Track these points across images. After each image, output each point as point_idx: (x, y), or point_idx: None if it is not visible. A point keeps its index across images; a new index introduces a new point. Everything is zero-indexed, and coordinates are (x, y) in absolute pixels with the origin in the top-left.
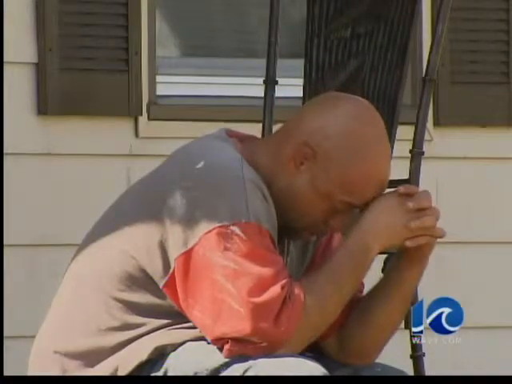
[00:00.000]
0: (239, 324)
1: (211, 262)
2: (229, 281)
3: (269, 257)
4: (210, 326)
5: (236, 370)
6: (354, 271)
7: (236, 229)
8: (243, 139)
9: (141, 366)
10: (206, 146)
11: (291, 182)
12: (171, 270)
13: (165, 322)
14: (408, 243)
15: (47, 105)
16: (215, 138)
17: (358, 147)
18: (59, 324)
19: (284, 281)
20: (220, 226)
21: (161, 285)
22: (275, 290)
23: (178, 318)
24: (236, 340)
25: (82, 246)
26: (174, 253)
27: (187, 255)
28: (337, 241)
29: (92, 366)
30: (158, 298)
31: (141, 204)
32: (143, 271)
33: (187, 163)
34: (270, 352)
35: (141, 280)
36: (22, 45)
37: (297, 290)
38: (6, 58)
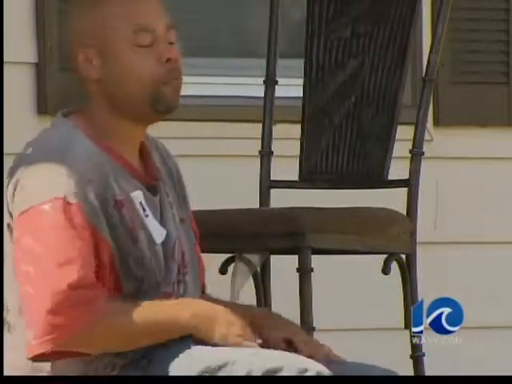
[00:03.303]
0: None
1: (16, 248)
2: (28, 266)
3: (68, 251)
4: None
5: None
6: (156, 332)
7: (39, 211)
8: (78, 110)
9: None
10: (43, 130)
11: (108, 79)
12: None
13: None
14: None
15: (47, 105)
16: (56, 123)
17: (95, 4)
18: None
19: (76, 282)
20: (26, 210)
21: None
22: (57, 287)
23: None
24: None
25: None
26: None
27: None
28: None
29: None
30: None
31: None
32: None
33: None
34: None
35: None
36: (22, 45)
37: (101, 304)
38: (6, 58)
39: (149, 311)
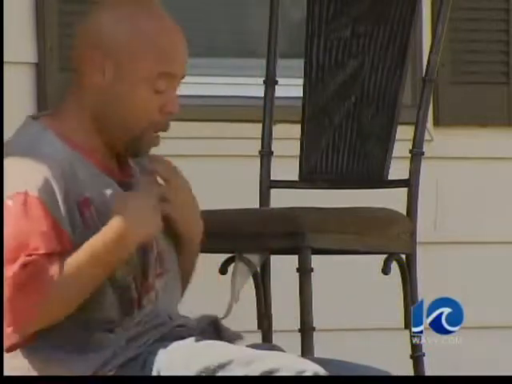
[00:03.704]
0: None
1: None
2: None
3: (17, 234)
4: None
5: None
6: (101, 265)
7: (4, 207)
8: (51, 113)
9: None
10: (14, 132)
11: (108, 93)
12: None
13: None
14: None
15: (47, 105)
16: (23, 125)
17: (134, 20)
18: None
19: (29, 258)
20: None
21: None
22: (12, 269)
23: None
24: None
25: None
26: None
27: None
28: None
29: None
30: None
31: None
32: None
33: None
34: (22, 331)
35: None
36: (22, 45)
37: (52, 270)
38: (6, 58)
39: (88, 247)
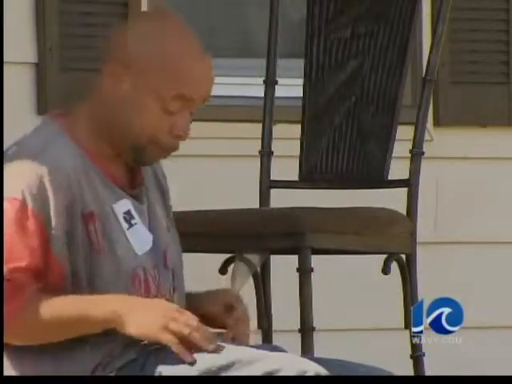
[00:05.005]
0: None
1: None
2: None
3: (17, 239)
4: None
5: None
6: (76, 326)
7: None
8: (67, 113)
9: None
10: (31, 131)
11: (121, 101)
12: None
13: None
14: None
15: (47, 105)
16: (40, 124)
17: (159, 38)
18: None
19: (11, 275)
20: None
21: None
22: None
23: None
24: None
25: None
26: None
27: None
28: None
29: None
30: None
31: None
32: None
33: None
34: None
35: None
36: (22, 45)
37: (31, 291)
38: (6, 58)
39: (67, 305)
